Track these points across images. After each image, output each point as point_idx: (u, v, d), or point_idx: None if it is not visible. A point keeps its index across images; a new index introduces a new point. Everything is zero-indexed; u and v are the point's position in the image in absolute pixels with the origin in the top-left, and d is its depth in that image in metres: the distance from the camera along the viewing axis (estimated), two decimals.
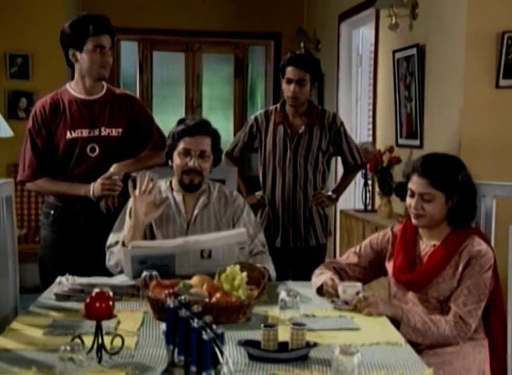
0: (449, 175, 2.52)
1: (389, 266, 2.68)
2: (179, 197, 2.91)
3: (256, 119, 3.82)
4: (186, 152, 2.84)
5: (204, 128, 2.89)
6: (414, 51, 4.38)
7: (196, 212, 2.90)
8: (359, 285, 2.52)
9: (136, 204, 2.76)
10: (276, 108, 3.81)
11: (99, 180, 3.07)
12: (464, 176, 2.53)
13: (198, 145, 2.84)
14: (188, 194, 2.92)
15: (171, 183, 2.95)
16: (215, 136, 2.91)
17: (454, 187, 2.51)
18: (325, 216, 3.82)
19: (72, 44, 3.08)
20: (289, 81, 3.66)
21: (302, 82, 3.64)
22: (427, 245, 2.60)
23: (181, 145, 2.85)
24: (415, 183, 2.54)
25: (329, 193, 3.89)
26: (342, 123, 3.80)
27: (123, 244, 2.71)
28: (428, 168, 2.53)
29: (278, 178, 3.73)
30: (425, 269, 2.54)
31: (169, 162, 2.94)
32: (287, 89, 3.68)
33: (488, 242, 2.59)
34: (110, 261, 2.80)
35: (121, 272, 2.70)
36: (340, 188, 3.97)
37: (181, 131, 2.86)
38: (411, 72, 4.44)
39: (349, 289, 2.48)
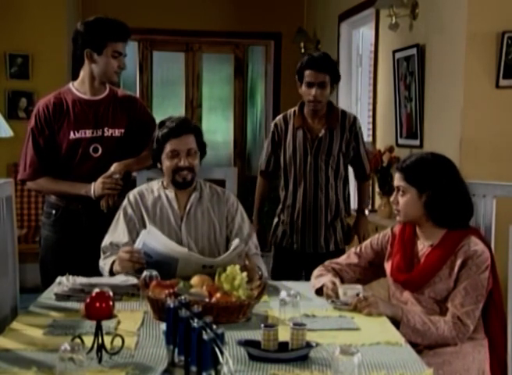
0: (420, 170, 2.54)
1: (388, 265, 2.68)
2: (171, 194, 2.94)
3: (276, 125, 3.73)
4: (174, 154, 2.88)
5: (186, 127, 2.93)
6: (414, 51, 4.38)
7: (188, 207, 2.93)
8: (359, 287, 2.52)
9: None
10: (295, 111, 3.70)
11: (100, 179, 3.08)
12: (440, 172, 2.52)
13: (184, 145, 2.88)
14: (180, 191, 2.94)
15: (163, 183, 2.98)
16: (197, 132, 2.96)
17: (426, 182, 2.51)
18: (348, 224, 3.78)
19: (90, 44, 3.09)
20: (310, 85, 3.54)
21: (323, 84, 3.53)
22: (424, 246, 2.60)
23: (168, 148, 2.88)
24: (395, 178, 2.61)
25: (366, 212, 3.87)
26: (360, 128, 3.72)
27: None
28: (404, 163, 2.58)
29: (299, 183, 3.65)
30: (422, 269, 2.54)
31: (158, 165, 2.96)
32: (308, 93, 3.56)
33: (486, 242, 2.58)
34: (104, 266, 2.81)
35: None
36: (367, 199, 3.95)
37: (166, 134, 2.88)
38: (411, 72, 4.44)
39: (349, 291, 2.48)
